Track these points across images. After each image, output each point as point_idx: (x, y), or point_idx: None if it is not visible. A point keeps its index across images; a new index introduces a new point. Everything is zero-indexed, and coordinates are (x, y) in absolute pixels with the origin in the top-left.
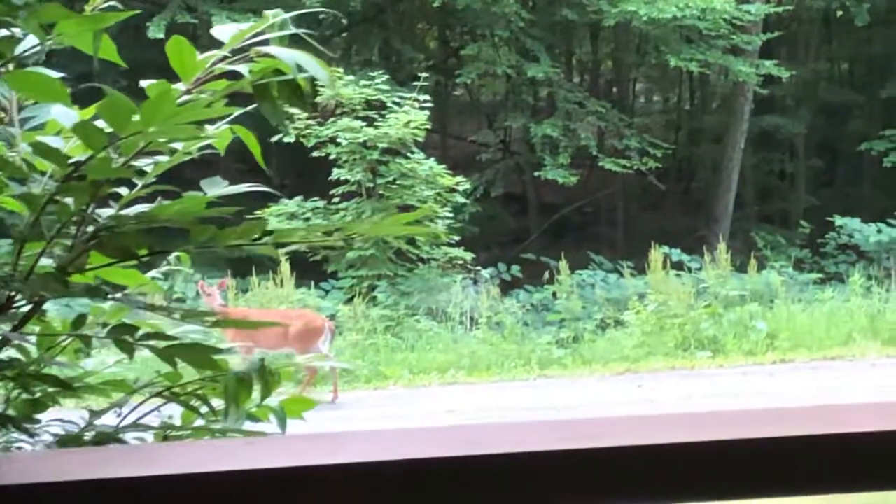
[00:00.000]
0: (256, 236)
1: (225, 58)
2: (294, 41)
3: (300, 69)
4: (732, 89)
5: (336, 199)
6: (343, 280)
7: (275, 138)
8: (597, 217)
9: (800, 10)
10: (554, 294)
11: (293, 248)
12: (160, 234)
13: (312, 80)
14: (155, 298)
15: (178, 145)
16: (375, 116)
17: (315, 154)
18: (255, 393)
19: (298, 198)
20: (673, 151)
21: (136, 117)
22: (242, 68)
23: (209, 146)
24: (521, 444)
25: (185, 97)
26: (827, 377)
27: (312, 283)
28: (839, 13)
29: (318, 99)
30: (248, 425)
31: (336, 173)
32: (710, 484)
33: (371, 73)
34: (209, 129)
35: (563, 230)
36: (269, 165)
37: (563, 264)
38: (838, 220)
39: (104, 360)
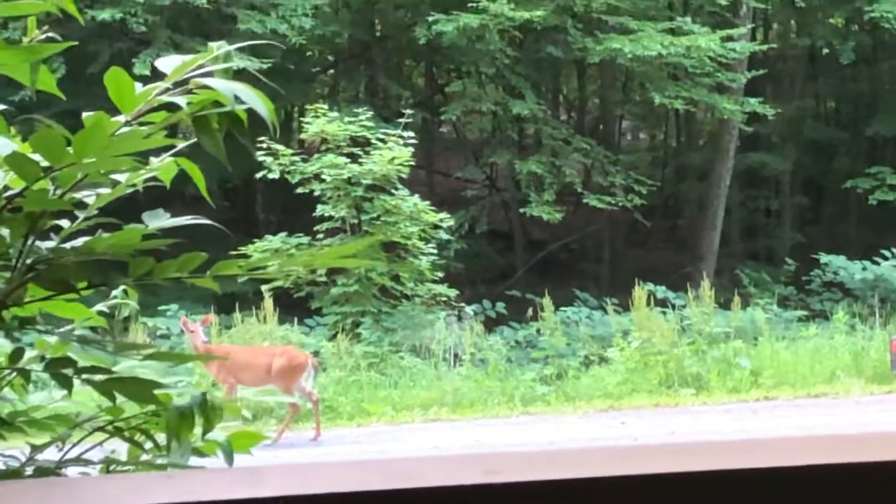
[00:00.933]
0: (194, 269)
1: (167, 90)
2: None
3: (238, 101)
4: (718, 127)
5: (320, 236)
6: (327, 316)
7: (259, 175)
8: (583, 254)
9: (785, 48)
10: (538, 331)
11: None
12: (100, 266)
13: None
14: (139, 335)
15: (121, 177)
16: (360, 153)
17: (300, 190)
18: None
19: (283, 234)
20: (659, 188)
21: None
22: (182, 100)
23: (155, 179)
24: (448, 478)
25: (125, 129)
26: (810, 415)
27: (296, 319)
28: (824, 51)
29: (302, 136)
30: (196, 460)
31: (320, 209)
32: None
33: (356, 110)
34: (155, 161)
35: (548, 267)
36: (255, 202)
37: (548, 301)
38: (823, 258)
39: (53, 395)
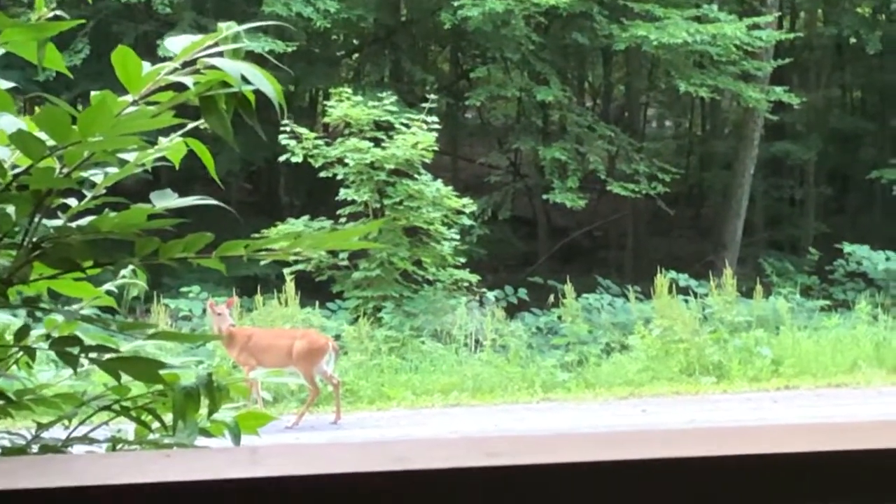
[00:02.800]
0: (201, 249)
1: (175, 70)
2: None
3: (245, 81)
4: (743, 115)
5: (343, 220)
6: (349, 300)
7: (282, 158)
8: (606, 241)
9: (811, 37)
10: (560, 317)
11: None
12: (106, 246)
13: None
14: (161, 316)
15: (129, 157)
16: (383, 138)
17: (323, 174)
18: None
19: (305, 217)
20: (683, 176)
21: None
22: (190, 80)
23: (164, 159)
24: (448, 459)
25: (132, 108)
26: (831, 405)
27: (318, 302)
28: (851, 40)
29: (326, 119)
30: (203, 441)
31: (343, 193)
32: (627, 501)
33: (380, 94)
34: (164, 141)
35: (571, 254)
36: (278, 185)
37: (569, 288)
38: (847, 248)
39: (60, 375)
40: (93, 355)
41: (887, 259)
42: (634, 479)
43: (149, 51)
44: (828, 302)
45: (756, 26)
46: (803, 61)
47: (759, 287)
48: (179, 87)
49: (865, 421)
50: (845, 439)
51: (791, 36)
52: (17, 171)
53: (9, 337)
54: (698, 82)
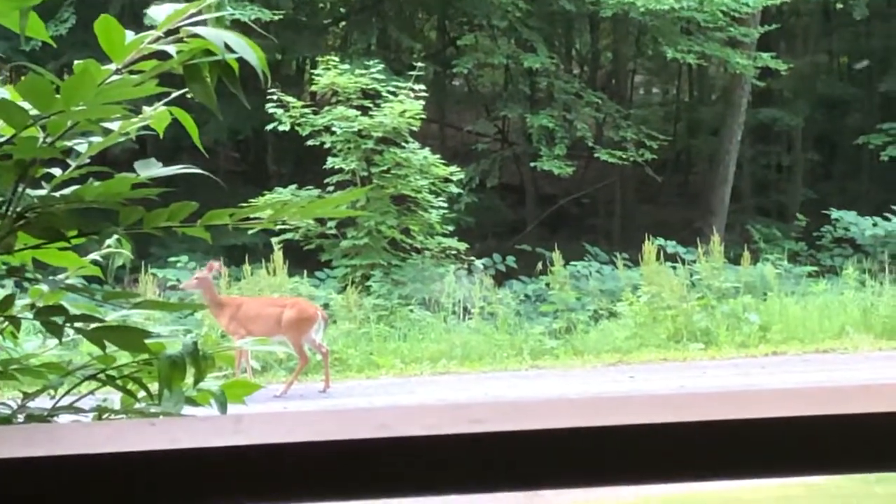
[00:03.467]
0: (185, 218)
1: (158, 38)
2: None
3: (229, 50)
4: (730, 81)
5: (331, 188)
6: (337, 269)
7: (270, 127)
8: (594, 208)
9: (798, 3)
10: (548, 285)
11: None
12: (90, 215)
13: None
14: (149, 286)
15: (113, 126)
16: (371, 106)
17: (310, 143)
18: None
19: (293, 186)
20: (670, 143)
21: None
22: (173, 49)
23: (147, 127)
24: (431, 427)
25: (115, 77)
26: (819, 370)
27: (306, 272)
28: (838, 6)
29: (313, 88)
30: (190, 410)
31: (330, 162)
32: (615, 467)
33: (367, 62)
34: (148, 110)
35: (559, 221)
36: (266, 154)
37: (558, 255)
38: (834, 214)
39: (46, 343)
40: (78, 325)
41: (874, 225)
42: (619, 444)
43: (135, 20)
44: (815, 268)
45: None
46: (790, 27)
47: (746, 253)
48: (164, 57)
49: (855, 385)
50: (834, 403)
51: (778, 1)
52: (0, 140)
53: None
54: (685, 49)
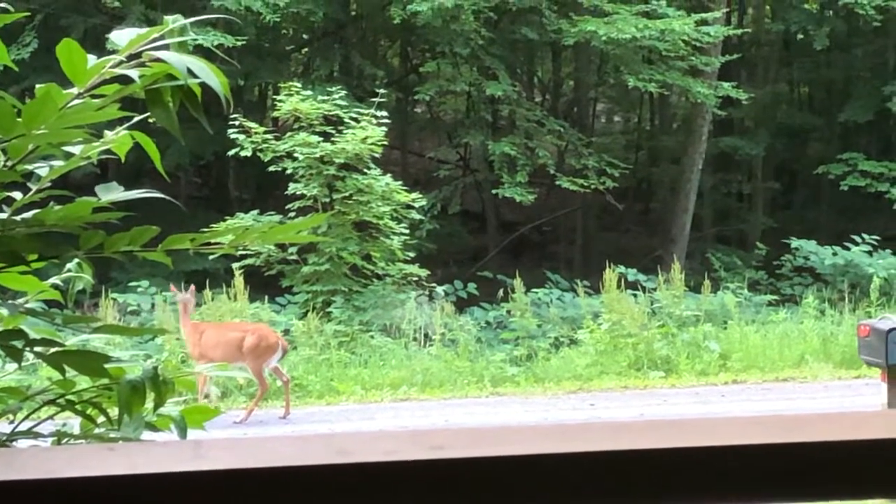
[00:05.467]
0: (146, 243)
1: (121, 62)
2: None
3: (191, 74)
4: (691, 110)
5: (292, 214)
6: (298, 295)
7: (232, 152)
8: (555, 236)
9: (759, 33)
10: (509, 312)
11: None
12: (50, 239)
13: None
14: (108, 310)
15: (75, 150)
16: (333, 132)
17: (272, 168)
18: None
19: (254, 212)
20: (632, 171)
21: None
22: (135, 73)
23: (109, 151)
24: (391, 453)
25: (77, 101)
26: (778, 399)
27: (267, 297)
28: (799, 36)
29: (276, 114)
30: (150, 435)
31: (293, 188)
32: (576, 494)
33: (330, 88)
34: (109, 134)
35: (521, 248)
36: (227, 179)
37: (519, 282)
38: (794, 243)
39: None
40: (38, 349)
41: (834, 254)
42: (580, 471)
43: (97, 45)
44: (775, 296)
45: (704, 22)
46: (751, 57)
47: (707, 281)
48: (126, 81)
49: (813, 413)
50: (792, 432)
51: (739, 31)
52: None
53: None
54: (647, 77)
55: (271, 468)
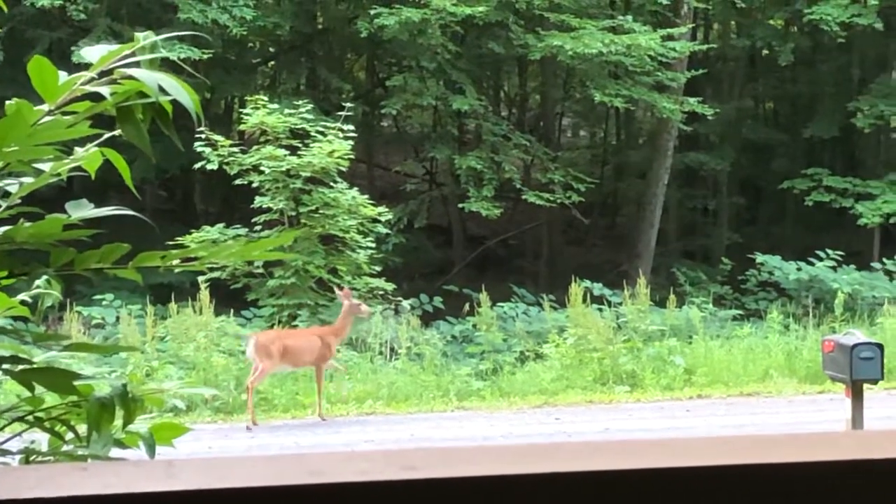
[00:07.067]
0: (117, 260)
1: (92, 79)
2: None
3: (163, 91)
4: (657, 125)
5: (258, 227)
6: (264, 308)
7: (198, 165)
8: (521, 250)
9: (725, 49)
10: (475, 326)
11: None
12: (21, 256)
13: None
14: (73, 324)
15: (45, 167)
16: (299, 145)
17: (238, 181)
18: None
19: (220, 225)
20: (598, 186)
21: None
22: (106, 90)
23: (79, 168)
24: (363, 473)
25: (48, 118)
26: (743, 413)
27: (233, 310)
28: (764, 52)
29: (242, 127)
30: (118, 452)
31: (259, 201)
32: None
33: (296, 102)
34: (79, 150)
35: (486, 262)
36: (193, 192)
37: (485, 296)
38: (759, 258)
39: None
40: (6, 366)
41: (798, 269)
42: (553, 492)
43: (63, 57)
44: (740, 311)
45: (670, 37)
46: (717, 72)
47: (672, 296)
48: (97, 98)
49: (784, 434)
50: (761, 452)
51: (705, 47)
52: None
53: None
54: (613, 92)
55: (243, 488)
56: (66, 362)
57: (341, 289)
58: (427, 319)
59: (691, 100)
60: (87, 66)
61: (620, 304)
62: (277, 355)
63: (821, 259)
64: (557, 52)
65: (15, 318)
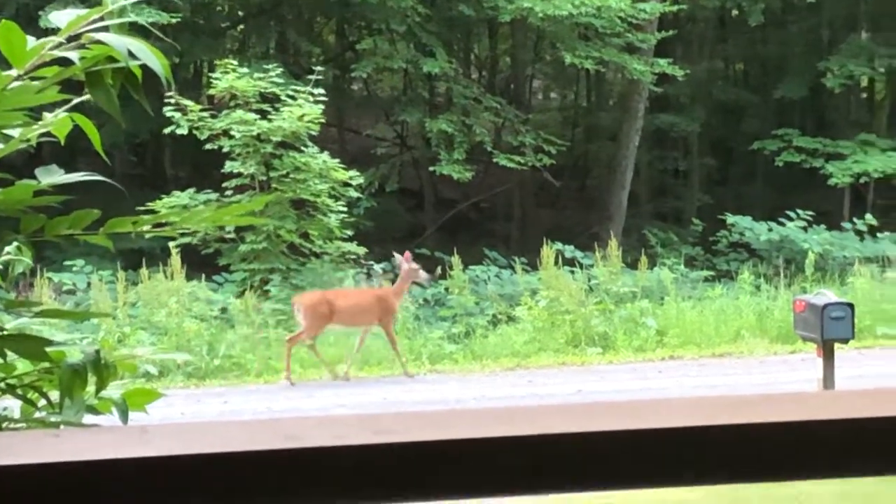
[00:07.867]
0: (87, 226)
1: (60, 44)
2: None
3: (132, 56)
4: (628, 87)
5: (229, 192)
6: (235, 273)
7: (167, 130)
8: (493, 213)
9: (695, 10)
10: (447, 289)
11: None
12: None
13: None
14: (44, 290)
15: (14, 133)
16: (270, 109)
17: (209, 146)
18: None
19: (191, 190)
20: (569, 148)
21: None
22: (75, 55)
23: (48, 134)
24: (338, 437)
25: (16, 83)
26: (715, 374)
27: (204, 275)
28: (734, 13)
29: (211, 91)
30: (91, 418)
31: (229, 166)
32: (520, 476)
33: (266, 66)
34: (49, 116)
35: (458, 226)
36: (163, 157)
37: (457, 260)
38: (730, 219)
39: None
40: None
41: (769, 230)
42: (527, 454)
43: (30, 22)
44: (711, 272)
45: None
46: (687, 34)
47: (643, 258)
48: (66, 62)
49: (756, 394)
50: (734, 412)
51: (675, 8)
52: None
53: None
54: (583, 54)
55: (218, 454)
56: (38, 329)
57: (402, 254)
58: None
59: (661, 61)
60: (55, 31)
61: (592, 266)
62: (326, 316)
63: (791, 219)
64: (527, 14)
65: None
